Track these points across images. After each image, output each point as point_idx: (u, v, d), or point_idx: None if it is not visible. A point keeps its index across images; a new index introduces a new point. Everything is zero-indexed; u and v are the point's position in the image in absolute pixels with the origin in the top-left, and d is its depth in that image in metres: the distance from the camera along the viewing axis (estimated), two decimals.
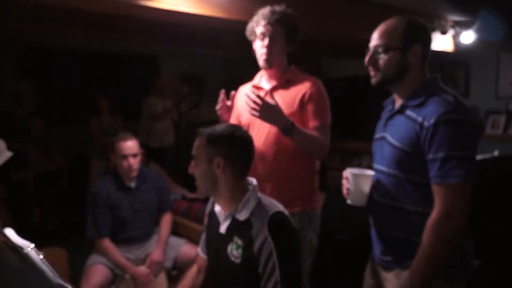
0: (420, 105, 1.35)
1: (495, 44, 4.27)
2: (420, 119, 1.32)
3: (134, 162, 2.45)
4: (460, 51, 4.48)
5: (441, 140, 1.26)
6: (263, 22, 1.84)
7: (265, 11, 1.86)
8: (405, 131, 1.36)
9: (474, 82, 4.74)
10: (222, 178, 1.45)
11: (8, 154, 2.29)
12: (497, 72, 4.51)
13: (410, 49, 1.38)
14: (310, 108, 1.85)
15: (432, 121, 1.28)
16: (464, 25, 4.20)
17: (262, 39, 1.85)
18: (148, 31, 3.83)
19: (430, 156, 1.29)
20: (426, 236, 1.29)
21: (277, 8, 1.86)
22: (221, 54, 6.11)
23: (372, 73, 1.45)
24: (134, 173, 2.47)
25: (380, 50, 1.40)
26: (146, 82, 5.05)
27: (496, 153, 3.44)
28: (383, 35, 1.40)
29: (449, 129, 1.26)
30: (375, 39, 1.43)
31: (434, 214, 1.29)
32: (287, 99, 1.87)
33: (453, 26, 4.16)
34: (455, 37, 4.34)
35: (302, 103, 1.86)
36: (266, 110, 1.68)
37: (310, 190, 1.95)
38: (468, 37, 4.19)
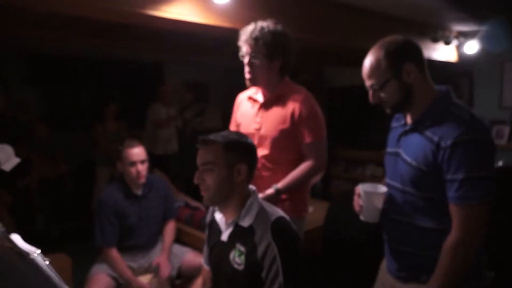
0: (435, 124, 1.34)
1: (499, 54, 4.28)
2: (436, 138, 1.31)
3: (143, 169, 2.46)
4: (464, 61, 4.49)
5: (460, 161, 1.25)
6: (243, 42, 1.90)
7: (246, 30, 1.90)
8: (421, 150, 1.35)
9: (478, 92, 4.74)
10: (239, 185, 1.46)
11: (16, 161, 2.31)
12: (501, 82, 4.51)
13: (401, 71, 1.36)
14: (302, 126, 1.90)
15: (449, 142, 1.26)
16: (468, 35, 4.21)
17: (244, 58, 1.92)
18: (154, 39, 3.86)
19: (448, 177, 1.28)
20: (445, 257, 1.29)
21: (259, 25, 1.88)
22: (225, 63, 6.14)
23: (383, 105, 1.45)
24: (143, 180, 2.48)
25: (376, 87, 1.40)
26: (150, 89, 5.08)
27: (500, 163, 3.44)
28: (371, 75, 1.40)
29: (468, 150, 1.25)
30: (366, 80, 1.43)
31: (453, 235, 1.28)
32: (279, 116, 1.93)
33: (456, 37, 4.17)
34: (459, 47, 4.35)
35: (293, 120, 1.90)
36: None
37: (298, 200, 2.01)
38: (472, 47, 4.20)
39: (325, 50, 4.07)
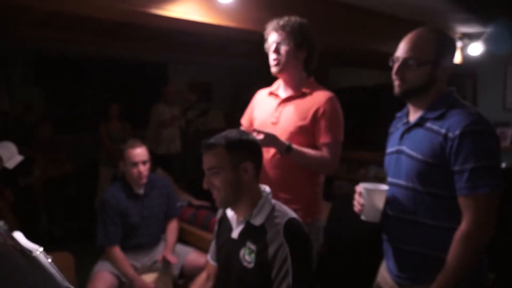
0: (441, 117, 1.33)
1: (503, 55, 4.27)
2: (443, 130, 1.30)
3: (144, 169, 2.46)
4: (468, 62, 4.48)
5: (469, 151, 1.24)
6: (270, 31, 1.91)
7: (273, 21, 1.91)
8: (428, 143, 1.34)
9: (482, 94, 4.73)
10: (248, 183, 1.46)
11: (19, 158, 2.32)
12: (505, 84, 4.51)
13: (440, 64, 1.36)
14: (322, 124, 1.86)
15: (457, 132, 1.26)
16: (472, 37, 4.20)
17: (271, 46, 1.90)
18: (158, 39, 3.87)
19: (457, 168, 1.27)
20: (455, 248, 1.27)
21: (286, 17, 1.90)
22: (229, 63, 6.14)
23: (396, 82, 1.41)
24: (144, 180, 2.48)
25: (411, 62, 1.36)
26: (154, 89, 5.10)
27: (503, 165, 3.42)
28: (414, 48, 1.36)
29: (476, 140, 1.25)
30: (405, 51, 1.38)
31: (464, 225, 1.27)
32: (300, 112, 1.89)
33: (461, 38, 4.16)
34: (463, 49, 4.34)
35: (315, 118, 1.86)
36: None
37: (311, 202, 1.95)
38: (476, 49, 4.19)
39: (330, 51, 4.07)
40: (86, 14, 2.36)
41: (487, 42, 4.12)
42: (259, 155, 1.52)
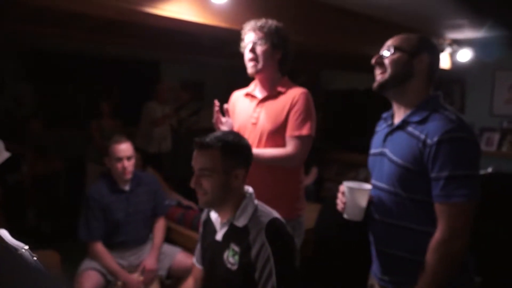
0: (422, 122, 1.34)
1: (491, 62, 4.33)
2: (422, 136, 1.30)
3: (129, 165, 2.46)
4: (457, 68, 4.53)
5: (445, 159, 1.25)
6: (247, 31, 1.95)
7: (250, 22, 1.96)
8: (408, 148, 1.34)
9: (470, 99, 4.80)
10: (236, 188, 1.45)
11: (6, 155, 2.29)
12: (492, 90, 4.57)
13: (417, 56, 1.38)
14: (291, 116, 1.90)
15: (435, 139, 1.26)
16: (461, 43, 4.26)
17: (247, 46, 1.94)
18: (151, 37, 3.86)
19: (433, 175, 1.27)
20: (431, 256, 1.28)
21: (263, 19, 1.94)
22: (222, 62, 6.14)
23: (377, 72, 1.44)
24: (128, 176, 2.48)
25: (389, 49, 1.41)
26: (147, 87, 5.07)
27: (490, 169, 3.48)
28: (395, 40, 1.43)
29: (453, 148, 1.25)
30: (387, 44, 1.44)
31: (438, 234, 1.27)
32: (276, 112, 1.93)
33: (450, 44, 4.21)
34: (452, 55, 4.39)
35: (288, 112, 1.91)
36: None
37: (294, 199, 2.01)
38: (465, 55, 4.25)
39: (323, 53, 4.08)
40: (78, 10, 2.34)
41: (476, 48, 4.18)
42: (251, 160, 1.51)
